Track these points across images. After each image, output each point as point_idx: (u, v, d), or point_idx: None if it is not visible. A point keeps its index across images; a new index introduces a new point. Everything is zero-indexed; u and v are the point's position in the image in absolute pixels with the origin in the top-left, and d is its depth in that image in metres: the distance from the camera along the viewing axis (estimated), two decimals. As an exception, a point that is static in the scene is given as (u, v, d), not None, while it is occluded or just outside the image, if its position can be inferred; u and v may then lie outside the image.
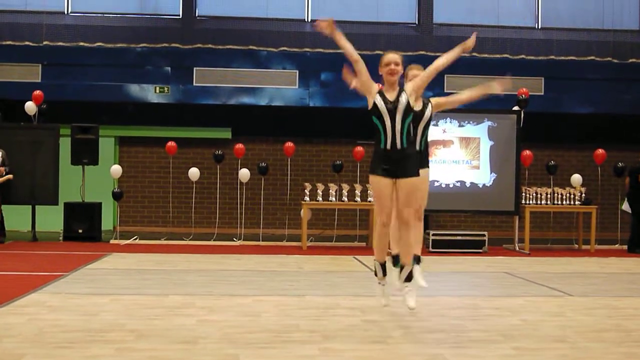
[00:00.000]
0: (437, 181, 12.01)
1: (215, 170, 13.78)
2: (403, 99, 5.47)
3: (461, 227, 15.13)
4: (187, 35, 14.86)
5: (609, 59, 15.25)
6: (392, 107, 5.44)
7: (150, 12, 15.16)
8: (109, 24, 14.91)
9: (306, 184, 12.58)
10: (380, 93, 5.54)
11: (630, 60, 15.33)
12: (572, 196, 12.56)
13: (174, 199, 14.60)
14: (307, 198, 12.37)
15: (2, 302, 6.30)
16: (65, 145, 12.87)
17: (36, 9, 14.76)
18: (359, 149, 12.94)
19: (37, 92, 12.88)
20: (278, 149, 14.39)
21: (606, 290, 7.77)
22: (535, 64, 15.18)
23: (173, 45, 14.80)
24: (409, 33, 15.35)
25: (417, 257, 6.07)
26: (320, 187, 12.48)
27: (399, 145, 5.43)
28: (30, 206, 12.74)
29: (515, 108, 12.54)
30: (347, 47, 5.50)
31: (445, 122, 12.26)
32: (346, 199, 12.49)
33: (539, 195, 12.51)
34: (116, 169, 13.16)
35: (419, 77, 5.72)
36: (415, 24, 15.49)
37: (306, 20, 15.37)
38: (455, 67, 15.46)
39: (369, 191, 12.06)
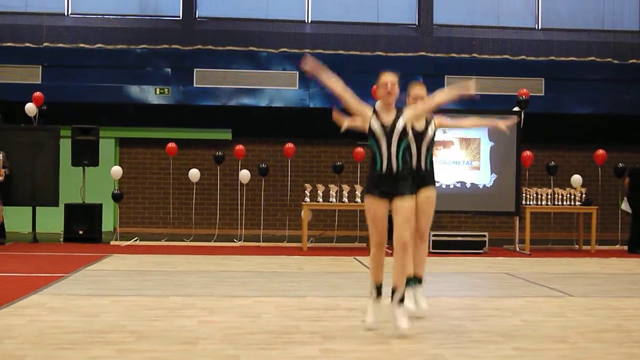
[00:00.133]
0: (438, 182, 11.98)
1: (216, 171, 13.79)
2: (400, 124, 5.42)
3: (461, 227, 15.13)
4: (187, 37, 14.87)
5: (609, 59, 15.25)
6: (389, 131, 5.39)
7: (151, 13, 15.17)
8: (109, 26, 14.92)
9: (306, 185, 12.59)
10: (376, 114, 5.47)
11: (631, 61, 15.33)
12: (572, 197, 12.55)
13: (175, 200, 14.60)
14: (307, 199, 12.37)
15: (3, 303, 6.30)
16: (65, 147, 12.87)
17: (36, 10, 14.77)
18: (360, 149, 12.93)
19: (38, 94, 12.88)
20: (278, 150, 14.39)
21: (607, 291, 7.77)
22: (536, 64, 15.18)
23: (173, 46, 14.81)
24: (409, 34, 15.35)
25: (419, 278, 6.05)
26: (321, 188, 12.48)
27: (394, 169, 5.39)
28: (31, 207, 12.74)
29: (516, 109, 12.54)
30: (333, 85, 5.44)
31: (446, 122, 12.24)
32: (347, 200, 12.49)
33: (539, 196, 12.51)
34: (116, 170, 13.16)
35: (420, 107, 5.70)
36: (415, 25, 15.49)
37: (306, 21, 15.38)
38: (456, 68, 15.64)
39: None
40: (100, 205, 12.82)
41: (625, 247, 12.51)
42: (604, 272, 9.66)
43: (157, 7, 15.23)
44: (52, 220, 13.19)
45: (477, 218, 15.08)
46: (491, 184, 12.30)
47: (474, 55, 15.14)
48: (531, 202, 12.46)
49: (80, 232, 12.42)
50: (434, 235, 11.74)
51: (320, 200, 12.47)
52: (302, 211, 12.30)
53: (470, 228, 14.99)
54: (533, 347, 5.01)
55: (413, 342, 5.14)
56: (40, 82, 14.42)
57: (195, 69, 14.82)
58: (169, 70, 14.84)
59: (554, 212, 13.77)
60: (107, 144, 14.75)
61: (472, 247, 11.82)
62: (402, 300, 5.35)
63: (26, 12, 14.84)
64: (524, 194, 12.48)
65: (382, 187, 5.39)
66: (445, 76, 14.96)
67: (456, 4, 15.56)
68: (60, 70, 14.58)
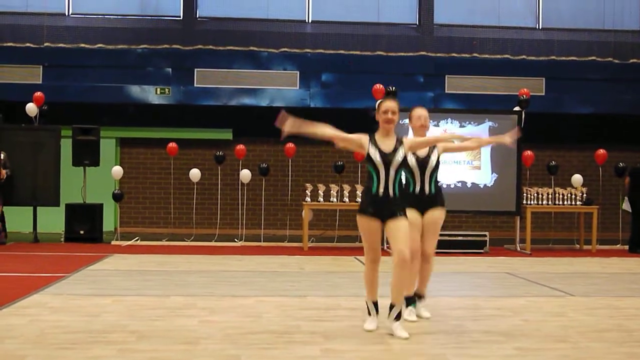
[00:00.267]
0: (438, 182, 11.99)
1: (216, 171, 13.79)
2: (399, 155, 5.43)
3: (462, 227, 15.12)
4: (187, 37, 14.87)
5: (609, 59, 15.25)
6: (387, 161, 5.41)
7: (151, 13, 15.17)
8: (110, 26, 14.92)
9: (307, 184, 12.59)
10: (373, 141, 5.46)
11: (631, 61, 15.32)
12: (573, 196, 12.55)
13: (175, 200, 14.61)
14: (308, 199, 12.38)
15: (4, 303, 6.30)
16: (66, 147, 12.88)
17: (37, 10, 14.76)
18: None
19: (38, 94, 12.89)
20: (279, 150, 14.38)
21: (608, 291, 7.77)
22: (536, 64, 15.18)
23: (174, 46, 14.81)
24: (409, 34, 15.34)
25: (420, 295, 6.06)
26: (322, 188, 12.48)
27: (390, 194, 5.41)
28: (32, 207, 12.75)
29: (516, 108, 12.53)
30: (320, 132, 5.47)
31: (447, 122, 12.25)
32: (347, 200, 12.48)
33: (540, 196, 12.51)
34: (117, 170, 13.16)
35: (420, 140, 5.75)
36: (415, 24, 15.48)
37: (307, 21, 15.38)
38: (457, 68, 15.62)
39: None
40: (101, 205, 12.83)
41: (626, 247, 12.51)
42: (604, 271, 9.66)
43: (158, 7, 15.22)
44: (53, 220, 13.20)
45: (478, 218, 15.08)
46: (492, 184, 12.30)
47: (475, 55, 15.14)
48: (532, 202, 12.46)
49: (81, 232, 12.43)
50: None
51: (321, 200, 12.47)
52: (303, 211, 12.30)
53: (471, 228, 14.99)
54: (534, 347, 5.01)
55: (414, 342, 5.14)
56: (41, 82, 14.42)
57: (195, 69, 14.82)
58: (170, 70, 14.85)
59: (555, 212, 13.77)
60: (108, 144, 14.76)
61: (473, 247, 11.82)
62: (398, 317, 5.35)
63: (27, 12, 14.84)
64: (524, 194, 12.48)
65: (376, 208, 5.39)
66: (446, 76, 14.97)
67: (457, 4, 15.56)
68: (61, 70, 14.58)
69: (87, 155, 12.79)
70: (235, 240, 13.01)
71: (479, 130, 12.30)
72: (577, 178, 12.85)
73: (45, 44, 14.56)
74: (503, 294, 7.53)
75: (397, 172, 5.44)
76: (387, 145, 5.44)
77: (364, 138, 5.49)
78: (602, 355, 4.85)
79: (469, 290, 7.90)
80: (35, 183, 12.60)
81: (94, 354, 4.63)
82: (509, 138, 5.93)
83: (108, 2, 15.25)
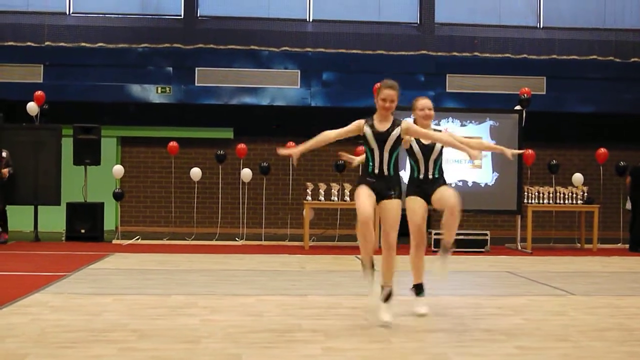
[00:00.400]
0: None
1: (217, 170, 13.79)
2: (395, 132, 5.56)
3: (463, 226, 15.01)
4: (188, 36, 14.87)
5: (610, 58, 15.24)
6: (382, 138, 5.56)
7: (152, 12, 15.18)
8: (111, 25, 14.93)
9: (308, 183, 12.59)
10: (370, 125, 5.61)
11: (632, 60, 15.31)
12: (574, 195, 12.55)
13: (176, 199, 14.61)
14: (309, 198, 12.38)
15: (5, 302, 6.30)
16: (67, 146, 12.88)
17: (38, 9, 14.78)
18: (361, 148, 12.90)
19: (39, 93, 12.89)
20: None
21: (609, 289, 7.77)
22: (537, 63, 15.17)
23: (175, 45, 14.81)
24: (410, 32, 15.34)
25: (420, 285, 6.14)
26: (322, 187, 12.48)
27: (385, 173, 5.58)
28: (33, 206, 12.76)
29: (517, 107, 12.54)
30: (318, 142, 5.68)
31: (447, 121, 12.25)
32: (348, 199, 12.48)
33: (541, 195, 12.51)
34: (118, 169, 13.16)
35: (421, 130, 5.82)
36: (416, 23, 15.48)
37: (308, 20, 15.38)
38: (458, 67, 15.61)
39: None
40: (102, 204, 12.84)
41: (627, 246, 12.51)
42: (605, 270, 9.66)
43: (159, 6, 15.23)
44: (54, 219, 13.21)
45: (479, 217, 15.07)
46: (493, 183, 12.30)
47: (476, 53, 15.13)
48: (533, 201, 12.46)
49: (82, 231, 12.43)
50: (435, 234, 11.74)
51: (322, 198, 12.47)
52: (304, 210, 12.31)
53: (472, 227, 14.95)
54: (535, 346, 5.01)
55: (415, 340, 5.14)
56: (41, 81, 14.43)
57: (196, 68, 14.82)
58: (171, 69, 14.85)
59: (556, 211, 13.77)
60: (109, 143, 14.76)
61: (474, 246, 11.83)
62: (388, 298, 5.54)
63: (28, 11, 14.86)
64: (525, 193, 12.48)
65: (373, 185, 5.56)
66: (447, 75, 14.97)
67: (458, 3, 15.56)
68: (62, 69, 14.59)
69: (88, 154, 12.80)
70: (236, 239, 13.01)
71: (479, 129, 12.31)
72: (578, 177, 12.85)
73: (46, 43, 14.56)
74: (504, 293, 7.53)
75: (391, 152, 5.57)
76: (383, 125, 5.61)
77: (361, 121, 5.68)
78: (603, 354, 4.84)
79: (470, 289, 7.90)
80: (36, 182, 12.61)
81: (95, 353, 4.62)
82: (510, 152, 6.09)
83: (109, 1, 15.26)
